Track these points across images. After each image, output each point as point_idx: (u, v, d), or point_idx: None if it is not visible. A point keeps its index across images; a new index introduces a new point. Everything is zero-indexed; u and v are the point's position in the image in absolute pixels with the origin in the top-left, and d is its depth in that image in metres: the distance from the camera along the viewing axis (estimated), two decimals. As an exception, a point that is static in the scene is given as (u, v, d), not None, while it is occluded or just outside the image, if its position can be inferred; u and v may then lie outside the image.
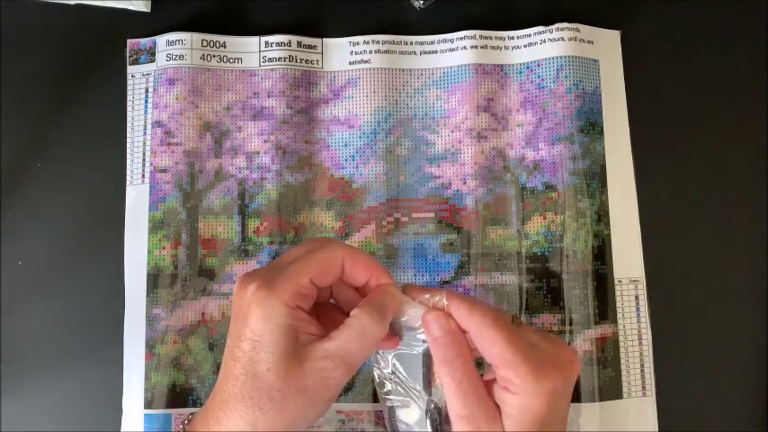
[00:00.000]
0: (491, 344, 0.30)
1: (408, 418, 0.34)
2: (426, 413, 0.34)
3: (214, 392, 0.31)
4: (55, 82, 0.45)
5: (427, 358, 0.33)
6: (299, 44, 0.45)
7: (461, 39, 0.45)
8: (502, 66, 0.45)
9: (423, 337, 0.32)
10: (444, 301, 0.31)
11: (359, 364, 0.30)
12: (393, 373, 0.34)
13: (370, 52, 0.45)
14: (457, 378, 0.30)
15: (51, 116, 0.44)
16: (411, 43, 0.46)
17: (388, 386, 0.34)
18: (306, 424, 0.30)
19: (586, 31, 0.45)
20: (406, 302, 0.32)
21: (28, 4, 0.45)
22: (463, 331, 0.31)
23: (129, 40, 0.45)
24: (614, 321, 0.43)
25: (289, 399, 0.29)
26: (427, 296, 0.32)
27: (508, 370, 0.29)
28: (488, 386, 0.31)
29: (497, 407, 0.30)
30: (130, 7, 0.45)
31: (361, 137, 0.44)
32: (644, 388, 0.42)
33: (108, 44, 0.45)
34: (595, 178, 0.44)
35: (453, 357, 0.31)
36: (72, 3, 0.45)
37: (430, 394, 0.33)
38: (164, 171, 0.43)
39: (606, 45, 0.46)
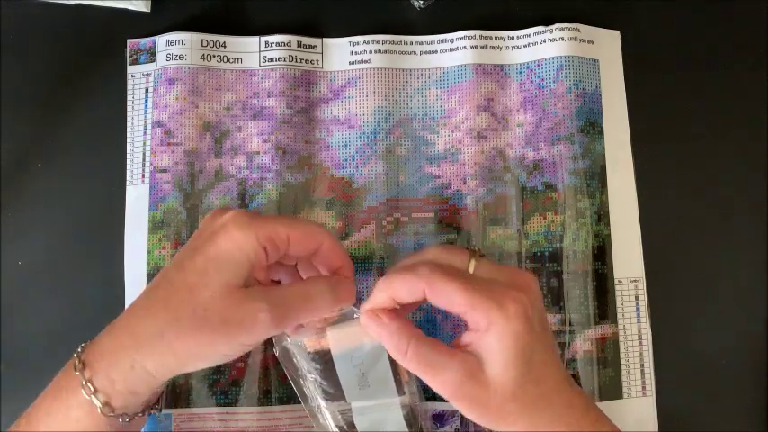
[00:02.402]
0: (448, 296, 0.29)
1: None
2: (404, 416, 0.35)
3: (134, 302, 0.31)
4: (55, 82, 0.45)
5: (390, 360, 0.33)
6: (299, 44, 0.45)
7: (461, 39, 0.45)
8: (502, 66, 0.45)
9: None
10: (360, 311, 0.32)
11: (286, 324, 0.31)
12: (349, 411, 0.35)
13: (370, 52, 0.45)
14: (420, 351, 0.30)
15: (51, 116, 0.44)
16: (411, 43, 0.46)
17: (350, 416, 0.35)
18: (201, 363, 0.30)
19: (586, 31, 0.45)
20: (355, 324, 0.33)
21: (28, 4, 0.45)
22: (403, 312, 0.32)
23: (129, 40, 0.45)
24: (614, 321, 0.43)
25: (207, 323, 0.29)
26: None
27: (473, 312, 0.29)
28: (465, 347, 0.30)
29: (476, 361, 0.30)
30: (130, 7, 0.45)
31: (361, 137, 0.44)
32: (644, 388, 0.42)
33: (108, 44, 0.45)
34: (595, 178, 0.44)
35: (400, 340, 0.30)
36: (72, 3, 0.45)
37: (403, 393, 0.34)
38: (164, 171, 0.43)
39: (606, 45, 0.46)
